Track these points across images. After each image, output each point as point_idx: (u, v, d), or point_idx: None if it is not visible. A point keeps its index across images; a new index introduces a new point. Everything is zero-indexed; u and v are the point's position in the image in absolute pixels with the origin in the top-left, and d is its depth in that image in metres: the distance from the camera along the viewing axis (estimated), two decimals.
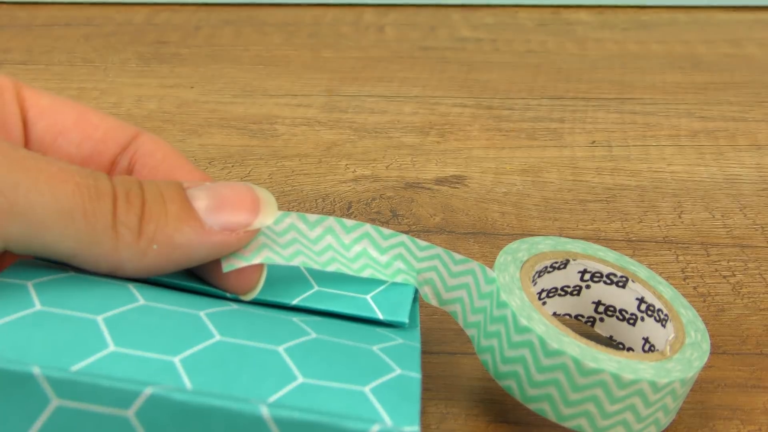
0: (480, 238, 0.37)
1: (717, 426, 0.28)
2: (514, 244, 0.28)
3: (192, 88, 0.53)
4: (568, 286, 0.29)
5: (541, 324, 0.25)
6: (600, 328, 0.30)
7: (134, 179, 0.22)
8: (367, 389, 0.20)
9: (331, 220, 0.26)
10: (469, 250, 0.36)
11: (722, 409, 0.28)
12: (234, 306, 0.23)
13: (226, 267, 0.23)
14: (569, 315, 0.30)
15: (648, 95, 0.52)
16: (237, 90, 0.52)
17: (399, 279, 0.26)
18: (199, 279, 0.24)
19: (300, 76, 0.55)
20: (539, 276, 0.28)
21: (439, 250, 0.27)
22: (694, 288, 0.34)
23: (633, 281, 0.28)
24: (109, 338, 0.20)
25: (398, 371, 0.21)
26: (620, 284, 0.28)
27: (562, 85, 0.53)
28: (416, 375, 0.21)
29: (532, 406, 0.25)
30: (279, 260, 0.24)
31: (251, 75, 0.55)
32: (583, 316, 0.30)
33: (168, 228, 0.21)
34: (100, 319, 0.20)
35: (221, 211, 0.22)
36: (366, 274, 0.26)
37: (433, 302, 0.27)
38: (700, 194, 0.41)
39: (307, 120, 0.49)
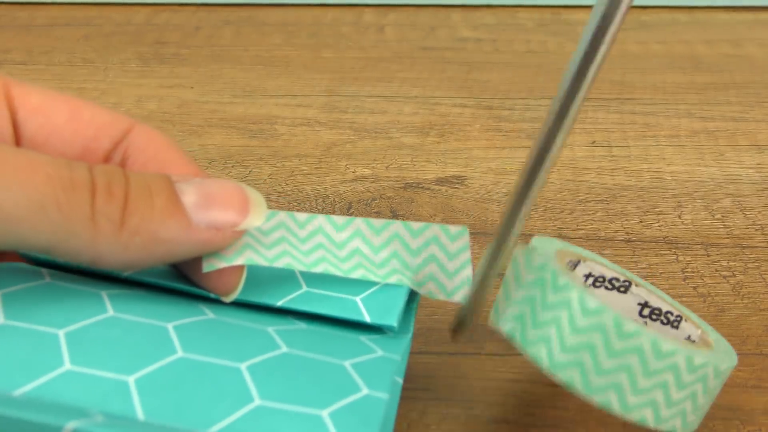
0: (480, 239, 0.37)
1: (717, 426, 0.28)
2: (535, 241, 0.27)
3: (192, 88, 0.53)
4: None
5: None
6: None
7: (119, 169, 0.21)
8: (325, 413, 0.19)
9: (321, 219, 0.25)
10: None
11: (722, 409, 0.28)
12: (210, 314, 0.23)
13: (207, 267, 0.22)
14: None
15: (648, 95, 0.52)
16: (237, 90, 0.52)
17: (393, 280, 0.25)
18: (182, 277, 0.24)
19: (300, 77, 0.55)
20: None
21: (434, 229, 0.25)
22: (694, 288, 0.34)
23: (636, 285, 0.28)
24: (67, 355, 0.19)
25: (365, 391, 0.21)
26: (622, 289, 0.28)
27: None
28: (383, 395, 0.21)
29: (596, 398, 0.23)
30: (262, 262, 0.23)
31: (251, 75, 0.55)
32: None
33: (153, 222, 0.21)
34: (62, 333, 0.20)
35: (209, 209, 0.22)
36: (357, 274, 0.25)
37: (441, 297, 0.26)
38: (700, 194, 0.41)
39: (307, 120, 0.49)
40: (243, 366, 0.20)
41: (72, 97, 0.25)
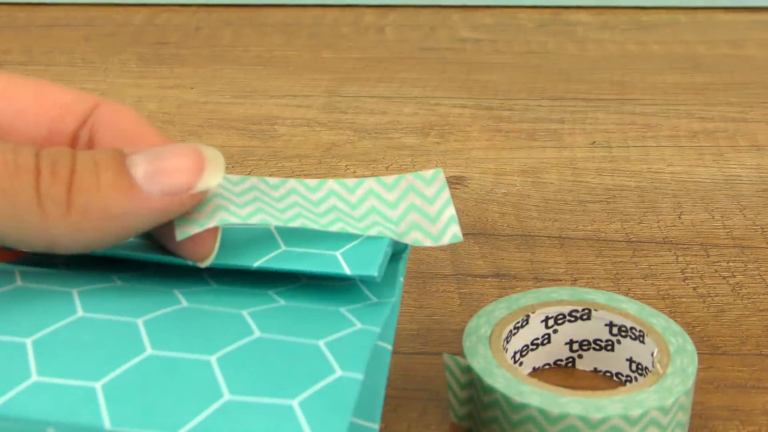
0: (480, 239, 0.37)
1: (717, 426, 0.28)
2: (472, 322, 0.28)
3: (192, 88, 0.53)
4: (537, 338, 0.29)
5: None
6: (581, 365, 0.30)
7: (65, 149, 0.21)
8: (295, 402, 0.19)
9: (293, 181, 0.24)
10: (469, 250, 0.36)
11: (722, 409, 0.28)
12: (183, 302, 0.22)
13: (180, 235, 0.22)
14: (548, 364, 0.30)
15: (648, 96, 0.52)
16: (237, 91, 0.53)
17: (374, 232, 0.24)
18: (159, 248, 0.24)
19: (300, 77, 0.55)
20: (507, 342, 0.28)
21: (408, 179, 0.25)
22: (694, 289, 0.34)
23: (596, 310, 0.28)
24: (34, 366, 0.19)
25: (338, 374, 0.20)
26: (585, 317, 0.29)
27: (562, 86, 0.53)
28: (357, 376, 0.20)
29: None
30: (235, 220, 0.22)
31: (251, 76, 0.55)
32: (561, 360, 0.30)
33: (101, 199, 0.20)
34: (29, 342, 0.20)
35: (160, 176, 0.21)
36: (336, 227, 0.24)
37: (428, 243, 0.25)
38: (700, 195, 0.41)
39: (307, 121, 0.49)
40: (213, 359, 0.20)
41: (38, 80, 0.24)
